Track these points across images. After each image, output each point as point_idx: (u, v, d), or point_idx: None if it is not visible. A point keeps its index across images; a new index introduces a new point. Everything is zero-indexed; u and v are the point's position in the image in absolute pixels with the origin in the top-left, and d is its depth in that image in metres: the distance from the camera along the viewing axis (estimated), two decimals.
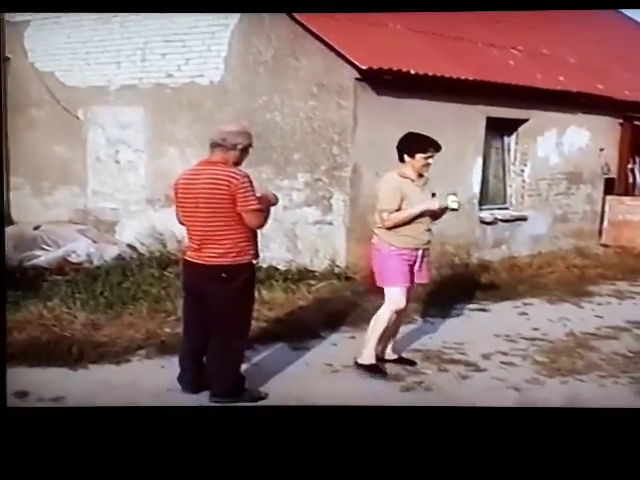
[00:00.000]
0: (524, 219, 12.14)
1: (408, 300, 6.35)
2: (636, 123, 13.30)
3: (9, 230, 10.05)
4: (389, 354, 6.53)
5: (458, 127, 10.40)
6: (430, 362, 6.63)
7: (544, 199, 12.50)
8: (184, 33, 10.43)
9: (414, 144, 6.17)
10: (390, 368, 6.37)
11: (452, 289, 8.98)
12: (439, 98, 10.16)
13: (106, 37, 11.16)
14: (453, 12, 8.98)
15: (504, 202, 12.24)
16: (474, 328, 7.86)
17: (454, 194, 6.27)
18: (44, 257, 9.85)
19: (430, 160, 6.17)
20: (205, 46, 10.41)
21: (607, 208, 13.45)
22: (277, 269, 9.52)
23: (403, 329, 6.78)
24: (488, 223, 11.55)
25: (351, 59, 9.25)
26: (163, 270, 9.26)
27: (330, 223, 9.78)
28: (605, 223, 13.45)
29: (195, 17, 10.24)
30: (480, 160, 11.31)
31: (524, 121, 11.88)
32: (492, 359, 6.82)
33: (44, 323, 6.79)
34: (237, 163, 5.33)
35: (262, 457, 4.37)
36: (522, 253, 11.77)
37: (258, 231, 5.45)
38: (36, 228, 10.68)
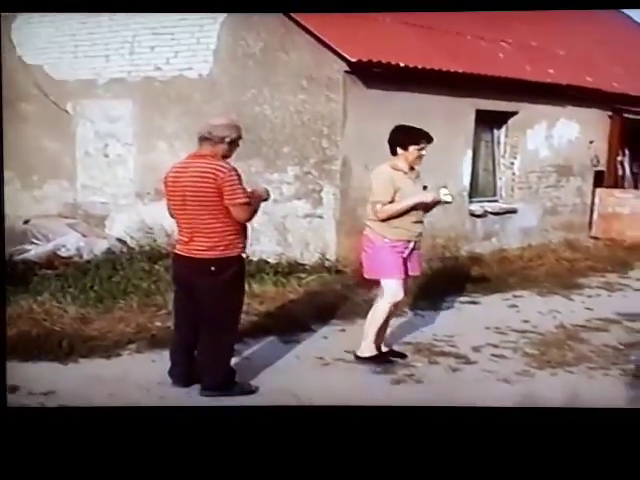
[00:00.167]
0: (514, 212, 12.17)
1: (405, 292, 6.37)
2: (625, 115, 13.33)
3: None
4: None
5: (448, 120, 10.40)
6: (421, 355, 6.63)
7: (534, 192, 12.52)
8: (173, 26, 10.37)
9: (407, 136, 6.17)
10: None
11: (442, 282, 8.98)
12: (429, 91, 10.16)
13: (94, 30, 11.08)
14: (452, 12, 8.97)
15: (494, 195, 12.26)
16: (464, 321, 7.87)
17: (445, 187, 6.29)
18: (34, 251, 9.82)
19: (423, 152, 6.18)
20: (194, 39, 10.36)
21: (597, 200, 13.49)
22: (267, 262, 9.50)
23: (394, 322, 6.78)
24: (478, 216, 11.57)
25: (340, 52, 9.24)
26: (153, 264, 9.24)
27: (320, 216, 9.77)
28: (595, 215, 13.49)
29: None
30: (470, 153, 11.33)
31: (514, 114, 11.90)
32: (482, 351, 6.82)
33: (34, 317, 6.77)
34: (226, 156, 5.32)
35: (258, 457, 4.37)
36: (512, 246, 11.79)
37: (248, 224, 5.45)
38: (26, 222, 10.63)
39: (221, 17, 10.06)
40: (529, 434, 4.45)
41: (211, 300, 5.30)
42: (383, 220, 6.10)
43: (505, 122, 11.99)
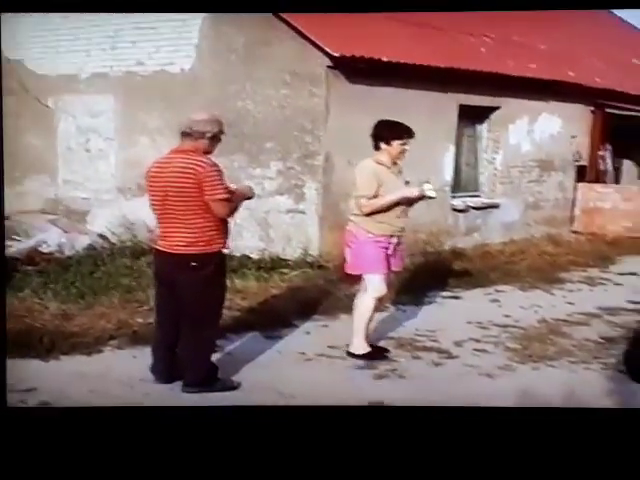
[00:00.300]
0: (496, 206, 12.19)
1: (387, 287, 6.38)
2: (607, 110, 13.37)
3: None
4: None
5: (430, 115, 10.41)
6: (403, 350, 6.64)
7: (516, 187, 12.55)
8: (155, 20, 10.32)
9: (390, 131, 6.19)
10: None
11: (424, 277, 8.99)
12: (411, 86, 10.17)
13: (76, 25, 11.03)
14: (448, 12, 8.98)
15: (476, 190, 12.28)
16: (447, 315, 7.89)
17: (429, 182, 6.30)
18: (15, 247, 9.75)
19: (406, 147, 6.20)
20: (176, 34, 10.32)
21: (578, 195, 13.54)
22: (250, 258, 9.49)
23: (376, 317, 6.77)
24: (460, 211, 11.59)
25: (323, 47, 9.23)
26: (135, 260, 9.22)
27: (302, 212, 9.76)
28: (576, 210, 13.55)
29: None
30: (452, 148, 11.34)
31: (496, 109, 11.92)
32: (464, 346, 6.84)
33: (15, 314, 6.73)
34: (207, 152, 5.31)
35: (242, 454, 4.36)
36: (494, 240, 11.82)
37: (230, 220, 5.44)
38: (6, 218, 10.56)
39: None
40: (524, 434, 4.44)
41: (192, 296, 5.29)
42: (367, 215, 6.10)
43: (487, 117, 12.02)
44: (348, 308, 6.52)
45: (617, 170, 14.79)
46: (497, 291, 9.06)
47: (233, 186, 5.41)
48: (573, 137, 13.30)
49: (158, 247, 5.46)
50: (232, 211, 5.38)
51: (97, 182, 11.38)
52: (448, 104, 10.97)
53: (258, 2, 5.48)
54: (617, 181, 14.64)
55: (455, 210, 11.50)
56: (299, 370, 6.09)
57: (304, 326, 7.27)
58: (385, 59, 9.60)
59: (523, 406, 5.26)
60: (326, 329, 7.21)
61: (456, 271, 9.69)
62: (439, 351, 6.65)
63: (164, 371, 5.57)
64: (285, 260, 9.51)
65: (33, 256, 9.46)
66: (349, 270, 6.35)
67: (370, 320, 6.35)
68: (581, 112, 13.33)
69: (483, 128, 12.13)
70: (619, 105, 13.23)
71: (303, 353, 6.45)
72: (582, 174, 13.63)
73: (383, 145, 6.18)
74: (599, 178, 13.94)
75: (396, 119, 6.32)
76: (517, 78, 11.51)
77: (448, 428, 4.47)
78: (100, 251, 9.88)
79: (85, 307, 7.21)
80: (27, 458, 4.29)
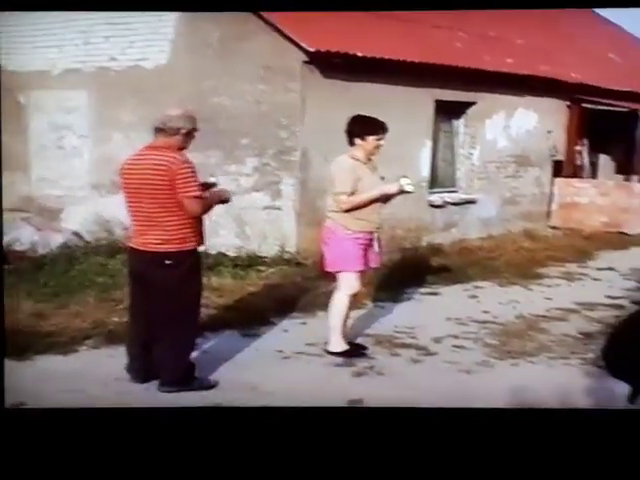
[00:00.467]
0: (473, 202, 12.20)
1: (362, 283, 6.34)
2: (584, 105, 13.41)
3: None
4: None
5: (407, 110, 10.39)
6: (381, 347, 6.61)
7: (493, 182, 12.56)
8: (128, 16, 10.21)
9: (364, 126, 6.14)
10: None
11: (402, 273, 8.96)
12: (387, 81, 10.14)
13: (48, 19, 10.90)
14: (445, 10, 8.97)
15: (453, 185, 12.28)
16: (425, 312, 7.86)
17: (406, 177, 6.25)
18: None
19: (381, 142, 6.15)
20: (150, 29, 10.23)
21: (555, 190, 13.59)
22: (226, 255, 9.43)
23: (354, 314, 6.74)
24: (437, 206, 11.58)
25: (299, 42, 9.17)
26: (110, 258, 9.12)
27: (279, 208, 9.71)
28: (554, 205, 13.59)
29: None
30: (429, 143, 11.32)
31: (472, 104, 11.91)
32: (443, 342, 6.81)
33: None
34: (181, 148, 5.24)
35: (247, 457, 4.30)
36: (472, 236, 11.82)
37: (205, 217, 5.37)
38: None
39: None
40: (519, 434, 4.41)
41: (167, 294, 5.23)
42: (346, 211, 6.05)
43: (464, 112, 12.01)
44: (326, 305, 6.47)
45: (594, 165, 14.85)
46: (475, 287, 9.04)
47: (216, 188, 5.36)
48: (549, 132, 13.33)
49: (132, 245, 5.39)
50: (205, 210, 5.32)
51: (71, 179, 11.26)
52: (424, 99, 10.95)
53: (240, 1, 5.41)
54: (594, 176, 14.69)
55: (432, 206, 11.49)
56: (277, 368, 6.04)
57: (282, 324, 7.22)
58: (360, 54, 9.57)
59: (505, 406, 5.21)
60: (304, 327, 7.16)
61: (434, 267, 9.67)
62: (418, 348, 6.61)
63: (140, 370, 5.50)
64: (262, 257, 9.46)
65: (6, 255, 9.35)
66: (328, 268, 6.29)
67: (345, 317, 6.30)
68: (557, 107, 13.37)
69: (460, 123, 12.12)
70: (595, 100, 13.27)
71: (281, 351, 6.39)
72: (559, 169, 13.68)
73: (358, 141, 6.13)
74: (576, 173, 14.00)
75: (372, 114, 6.28)
76: (493, 73, 11.52)
77: (429, 428, 4.43)
78: (74, 249, 9.80)
79: (60, 306, 7.14)
80: (25, 458, 4.22)
